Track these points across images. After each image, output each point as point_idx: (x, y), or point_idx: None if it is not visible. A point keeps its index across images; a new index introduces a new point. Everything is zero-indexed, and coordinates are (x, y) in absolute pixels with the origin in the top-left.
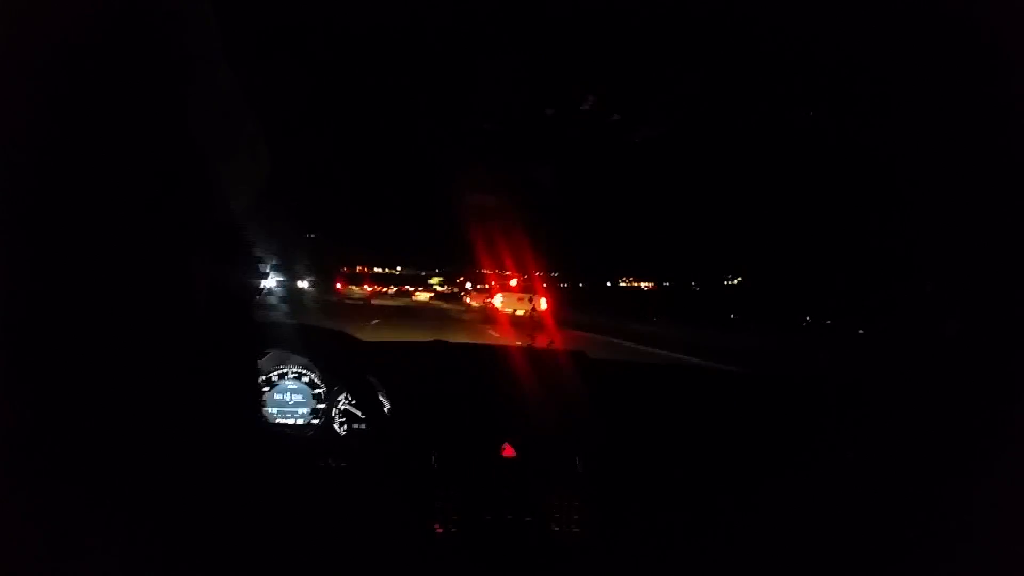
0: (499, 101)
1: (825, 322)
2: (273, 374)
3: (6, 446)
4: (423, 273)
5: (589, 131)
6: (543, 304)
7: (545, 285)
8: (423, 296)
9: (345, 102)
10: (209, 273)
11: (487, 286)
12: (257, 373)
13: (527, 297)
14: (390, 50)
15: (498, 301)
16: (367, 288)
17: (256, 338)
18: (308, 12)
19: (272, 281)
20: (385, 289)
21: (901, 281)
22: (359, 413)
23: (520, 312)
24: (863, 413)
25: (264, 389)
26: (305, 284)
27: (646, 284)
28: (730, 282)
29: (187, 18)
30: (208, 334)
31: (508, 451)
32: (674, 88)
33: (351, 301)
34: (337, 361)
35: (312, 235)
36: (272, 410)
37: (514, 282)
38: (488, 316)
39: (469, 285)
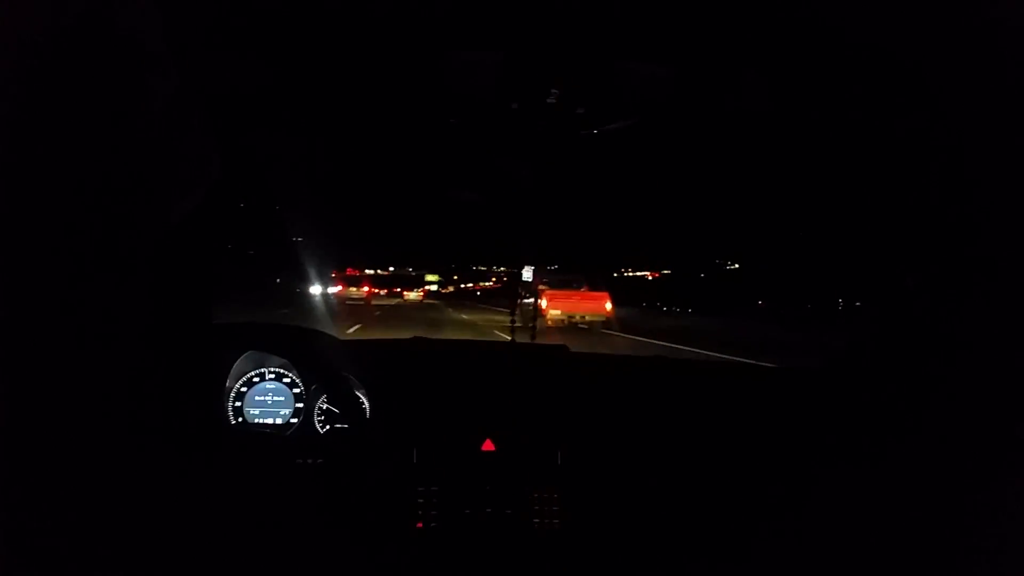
0: (463, 94)
1: (856, 304)
2: (252, 374)
3: None
4: (416, 273)
5: (556, 124)
6: None
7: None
8: (412, 296)
9: (316, 102)
10: (162, 277)
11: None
12: (224, 374)
13: None
14: (356, 46)
15: None
16: (365, 289)
17: (228, 339)
18: (269, 7)
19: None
20: (380, 290)
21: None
22: (338, 411)
23: None
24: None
25: (243, 390)
26: (295, 286)
27: (648, 274)
28: (729, 267)
29: (134, 17)
30: (164, 338)
31: (488, 446)
32: (638, 81)
33: (350, 302)
34: (315, 360)
35: (297, 239)
36: (251, 411)
37: None
38: None
39: (527, 274)
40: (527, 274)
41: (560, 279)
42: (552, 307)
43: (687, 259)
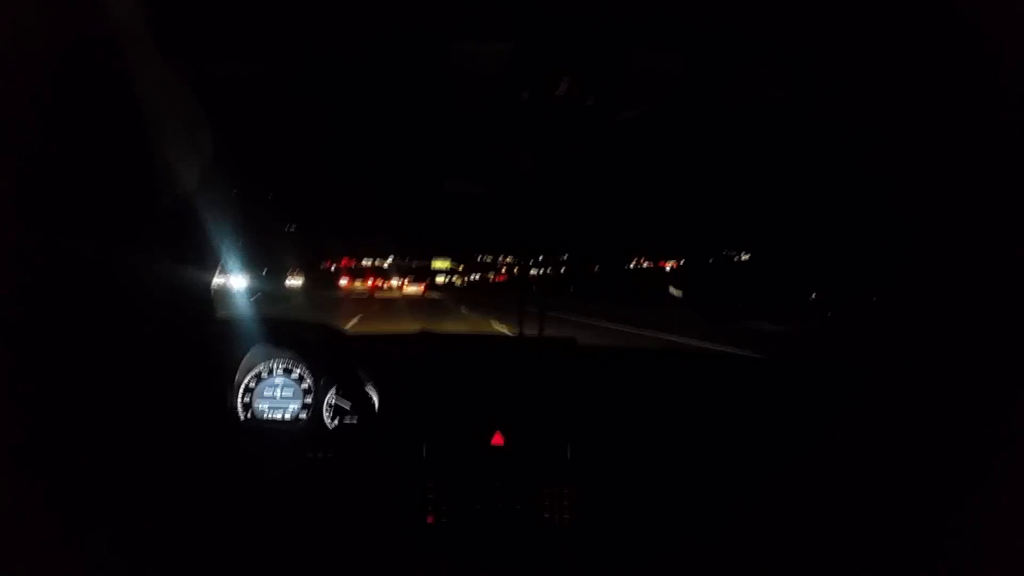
0: (471, 86)
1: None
2: (261, 369)
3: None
4: (417, 264)
5: (566, 115)
6: None
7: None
8: (412, 289)
9: (316, 91)
10: (164, 273)
11: None
12: (233, 369)
13: None
14: (363, 32)
15: None
16: (370, 283)
17: (236, 334)
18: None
19: (250, 278)
20: (383, 284)
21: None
22: (347, 405)
23: None
24: (865, 399)
25: (252, 385)
26: (291, 281)
27: (663, 264)
28: (739, 258)
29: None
30: (168, 334)
31: (498, 440)
32: (648, 70)
33: (355, 296)
34: (324, 354)
35: (290, 228)
36: (260, 405)
37: None
38: None
39: None
40: None
41: None
42: None
43: (696, 251)
